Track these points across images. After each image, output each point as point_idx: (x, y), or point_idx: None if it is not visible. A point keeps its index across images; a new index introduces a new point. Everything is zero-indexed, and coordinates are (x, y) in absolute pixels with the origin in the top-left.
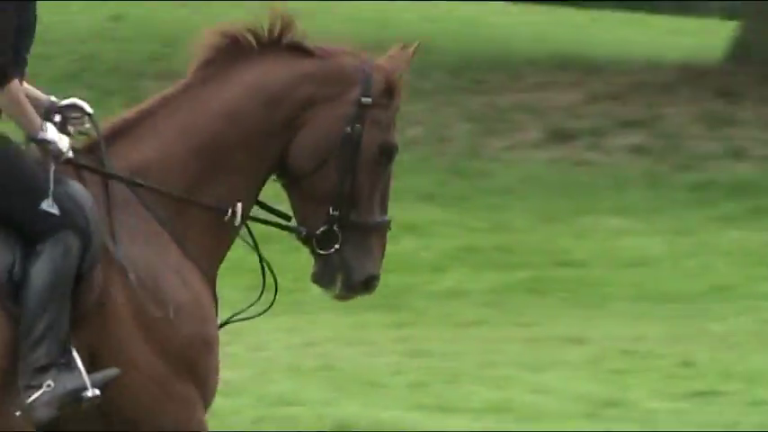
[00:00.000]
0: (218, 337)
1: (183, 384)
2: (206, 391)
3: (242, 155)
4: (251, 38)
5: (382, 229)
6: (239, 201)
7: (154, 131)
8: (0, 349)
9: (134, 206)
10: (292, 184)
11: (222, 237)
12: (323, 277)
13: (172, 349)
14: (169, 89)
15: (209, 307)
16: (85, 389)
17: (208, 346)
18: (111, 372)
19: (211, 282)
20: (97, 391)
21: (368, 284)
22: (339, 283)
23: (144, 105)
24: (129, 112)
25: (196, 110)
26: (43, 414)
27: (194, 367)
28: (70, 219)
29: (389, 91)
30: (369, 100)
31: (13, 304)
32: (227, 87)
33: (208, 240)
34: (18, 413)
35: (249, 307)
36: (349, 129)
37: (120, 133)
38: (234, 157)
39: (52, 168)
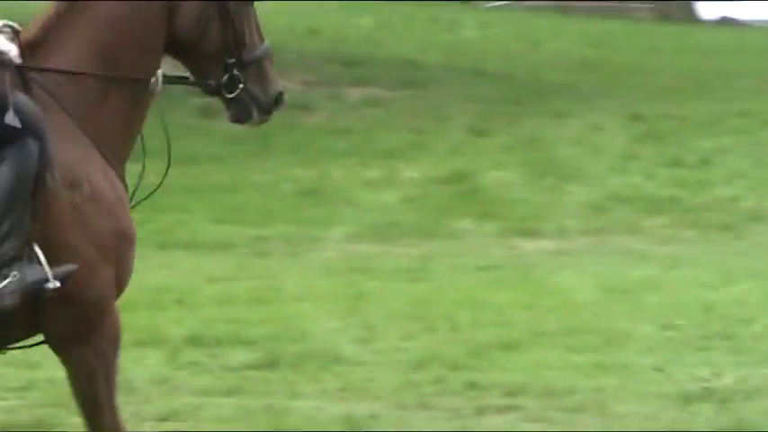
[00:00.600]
0: (135, 232)
1: (107, 269)
2: (124, 277)
3: (136, 50)
4: None
5: (269, 53)
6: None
7: (61, 46)
8: None
9: (55, 111)
10: (186, 53)
11: (137, 119)
12: (240, 114)
13: (101, 240)
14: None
15: (128, 204)
16: (47, 280)
17: (130, 239)
18: (70, 267)
19: (123, 165)
20: (58, 283)
21: (278, 101)
22: (255, 113)
23: (43, 20)
24: (31, 28)
25: (93, 21)
26: (8, 300)
27: (118, 256)
28: (29, 127)
29: None
30: None
31: None
32: None
33: (123, 131)
34: None
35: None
36: None
37: (33, 48)
38: (131, 54)
39: (8, 80)
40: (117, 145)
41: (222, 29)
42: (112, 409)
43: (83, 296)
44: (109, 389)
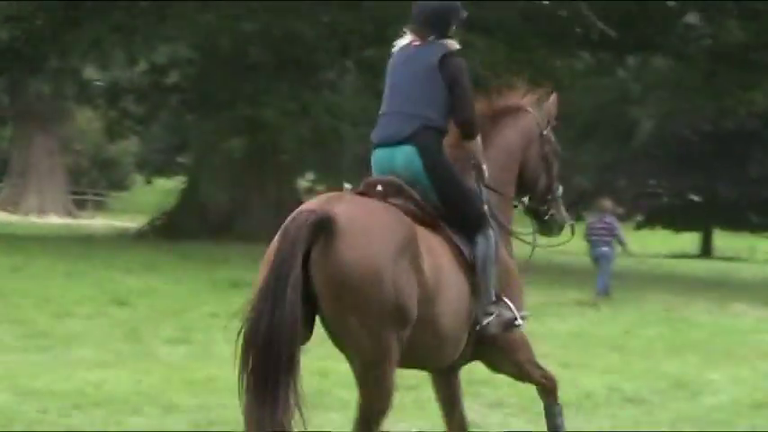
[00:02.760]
0: None
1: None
2: None
3: (516, 168)
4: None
5: (560, 195)
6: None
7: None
8: (468, 297)
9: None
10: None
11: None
12: (552, 230)
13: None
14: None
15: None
16: (516, 319)
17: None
18: (526, 312)
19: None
20: (522, 321)
21: (567, 225)
22: (555, 230)
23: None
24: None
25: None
26: (493, 330)
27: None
28: (489, 219)
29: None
30: (545, 132)
31: (469, 271)
32: (508, 132)
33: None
34: (477, 327)
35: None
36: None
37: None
38: (514, 169)
39: (482, 187)
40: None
41: (547, 178)
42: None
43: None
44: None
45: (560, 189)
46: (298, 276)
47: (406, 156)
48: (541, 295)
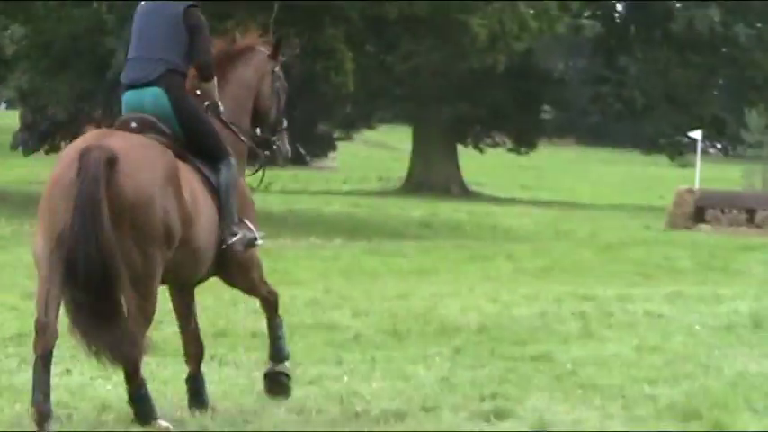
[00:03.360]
0: None
1: None
2: None
3: (251, 101)
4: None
5: (285, 128)
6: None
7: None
8: (216, 220)
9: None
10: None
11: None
12: (278, 159)
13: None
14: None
15: None
16: (256, 238)
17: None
18: (263, 233)
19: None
20: (261, 241)
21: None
22: (281, 159)
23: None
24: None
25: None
26: (238, 248)
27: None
28: (227, 150)
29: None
30: (276, 69)
31: (215, 196)
32: (243, 70)
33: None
34: (224, 246)
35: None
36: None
37: None
38: (249, 103)
39: (220, 121)
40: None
41: (277, 111)
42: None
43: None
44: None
45: (285, 122)
46: (105, 213)
47: (154, 96)
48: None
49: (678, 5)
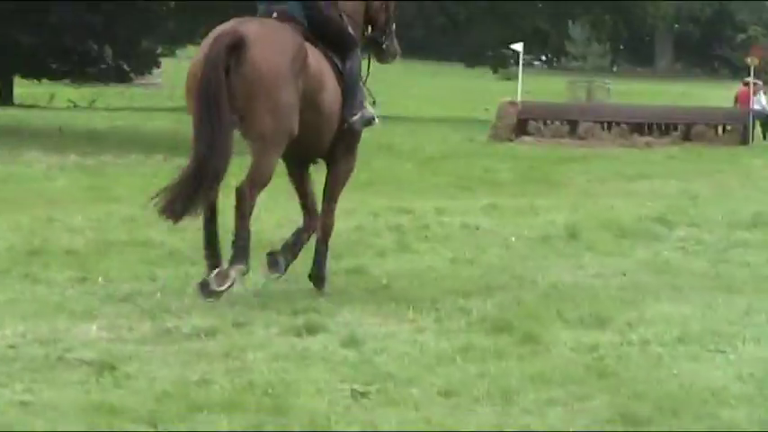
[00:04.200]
0: None
1: None
2: None
3: (364, 3)
4: None
5: (394, 29)
6: None
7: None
8: (340, 99)
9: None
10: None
11: None
12: (388, 57)
13: None
14: None
15: None
16: (374, 118)
17: None
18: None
19: None
20: (377, 120)
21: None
22: (390, 57)
23: None
24: None
25: None
26: (357, 126)
27: None
28: (355, 42)
29: None
30: None
31: (341, 79)
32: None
33: None
34: (346, 124)
35: None
36: None
37: None
38: (363, 4)
39: (344, 16)
40: None
41: (386, 14)
42: None
43: None
44: None
45: (394, 25)
46: (225, 97)
47: (290, 6)
48: None
49: None
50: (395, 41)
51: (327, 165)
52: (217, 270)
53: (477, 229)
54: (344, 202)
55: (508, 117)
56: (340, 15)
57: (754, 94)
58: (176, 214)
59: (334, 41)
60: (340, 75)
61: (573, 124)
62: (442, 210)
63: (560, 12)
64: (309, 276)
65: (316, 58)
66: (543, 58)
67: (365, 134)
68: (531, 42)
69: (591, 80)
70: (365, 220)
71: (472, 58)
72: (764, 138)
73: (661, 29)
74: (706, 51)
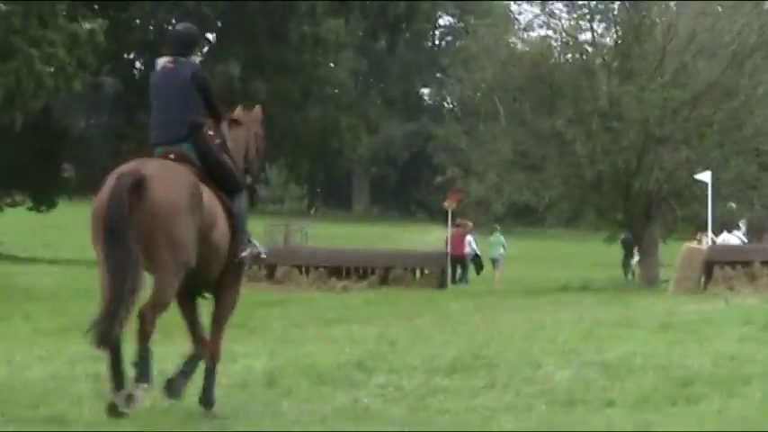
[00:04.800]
0: None
1: None
2: None
3: (243, 154)
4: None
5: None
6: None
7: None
8: (229, 236)
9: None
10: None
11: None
12: (257, 201)
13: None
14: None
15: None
16: (260, 253)
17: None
18: (265, 248)
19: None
20: (264, 255)
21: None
22: (259, 201)
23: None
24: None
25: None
26: (247, 261)
27: None
28: (242, 184)
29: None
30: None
31: (230, 217)
32: (240, 132)
33: None
34: (236, 259)
35: None
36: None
37: None
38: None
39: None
40: None
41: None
42: None
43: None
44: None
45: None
46: (129, 228)
47: (186, 149)
48: None
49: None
50: (260, 188)
51: (215, 296)
52: (123, 392)
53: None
54: (41, 348)
55: None
56: (220, 147)
57: (465, 236)
58: (105, 338)
59: (223, 182)
60: (228, 213)
61: (271, 268)
62: None
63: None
64: (200, 400)
65: (209, 197)
66: None
67: (63, 278)
68: None
69: (288, 223)
70: (62, 368)
71: None
72: (478, 274)
73: (358, 171)
74: (403, 194)
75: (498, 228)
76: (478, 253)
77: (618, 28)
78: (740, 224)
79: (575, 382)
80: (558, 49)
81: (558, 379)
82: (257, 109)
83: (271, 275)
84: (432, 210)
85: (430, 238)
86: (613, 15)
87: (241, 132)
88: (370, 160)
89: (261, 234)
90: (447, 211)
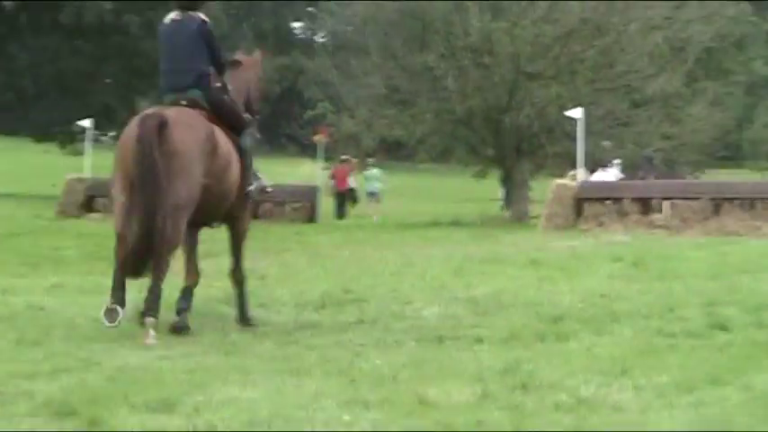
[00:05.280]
0: None
1: None
2: None
3: (245, 93)
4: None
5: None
6: None
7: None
8: (240, 171)
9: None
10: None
11: None
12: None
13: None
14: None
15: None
16: (266, 186)
17: None
18: (271, 182)
19: None
20: (270, 189)
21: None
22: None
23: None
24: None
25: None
26: (254, 194)
27: None
28: (248, 123)
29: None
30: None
31: (241, 156)
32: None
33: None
34: (246, 191)
35: None
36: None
37: None
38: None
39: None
40: None
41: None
42: None
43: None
44: None
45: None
46: (157, 165)
47: (193, 95)
48: None
49: None
50: (255, 127)
51: (229, 225)
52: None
53: (42, 309)
54: None
55: (75, 193)
56: (222, 91)
57: (349, 172)
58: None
59: (231, 122)
60: (239, 151)
61: None
62: (6, 289)
63: (130, 90)
64: (236, 321)
65: (224, 140)
66: (111, 133)
67: None
68: (98, 118)
69: None
70: None
71: (40, 132)
72: (352, 207)
73: None
74: (274, 128)
75: (372, 161)
76: (353, 187)
77: None
78: (615, 161)
79: (444, 318)
80: None
81: (427, 315)
82: (257, 52)
83: None
84: (303, 144)
85: (301, 171)
86: None
87: (242, 75)
88: None
89: None
90: (317, 146)
